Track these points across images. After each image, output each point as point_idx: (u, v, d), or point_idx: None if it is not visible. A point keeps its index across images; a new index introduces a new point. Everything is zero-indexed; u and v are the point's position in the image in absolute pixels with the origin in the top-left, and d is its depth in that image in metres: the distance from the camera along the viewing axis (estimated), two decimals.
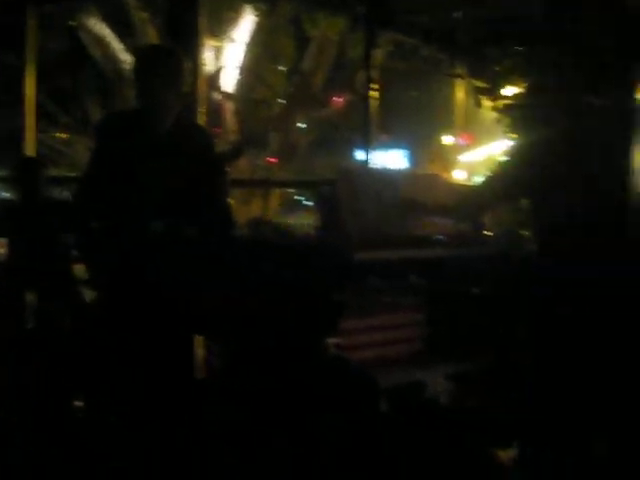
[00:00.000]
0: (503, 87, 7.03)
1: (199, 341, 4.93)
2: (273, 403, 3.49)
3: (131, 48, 11.67)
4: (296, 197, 16.59)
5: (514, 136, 7.20)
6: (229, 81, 12.06)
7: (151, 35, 11.65)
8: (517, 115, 6.95)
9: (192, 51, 5.72)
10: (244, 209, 11.27)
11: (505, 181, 3.74)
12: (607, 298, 3.36)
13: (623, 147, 3.43)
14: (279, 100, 12.82)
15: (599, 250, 3.38)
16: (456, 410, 3.75)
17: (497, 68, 6.90)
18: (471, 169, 17.77)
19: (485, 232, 4.54)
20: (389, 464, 3.35)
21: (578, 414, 3.40)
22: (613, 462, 3.37)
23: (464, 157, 18.09)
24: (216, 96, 11.73)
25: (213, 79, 11.49)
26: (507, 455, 3.70)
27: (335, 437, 3.34)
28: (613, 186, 3.40)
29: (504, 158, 3.95)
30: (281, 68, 12.97)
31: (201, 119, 5.73)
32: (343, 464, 3.29)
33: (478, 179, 12.80)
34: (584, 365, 3.39)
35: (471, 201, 4.03)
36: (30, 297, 5.30)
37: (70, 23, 11.75)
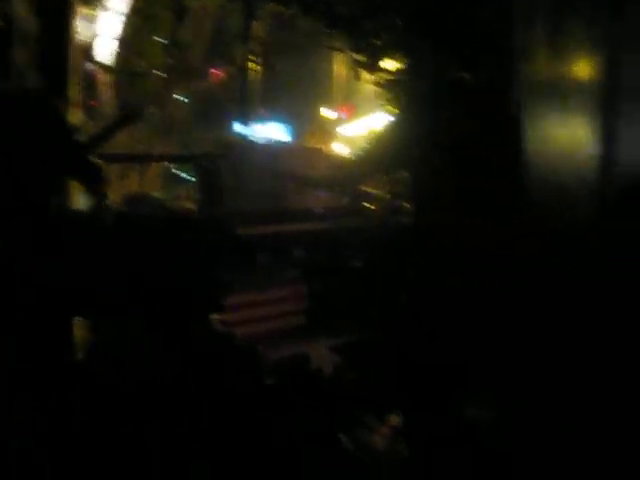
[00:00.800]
0: (382, 61, 7.09)
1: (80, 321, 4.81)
2: (157, 381, 3.45)
3: None
4: (174, 171, 16.39)
5: (393, 110, 7.31)
6: (105, 52, 11.73)
7: (17, 2, 11.19)
8: (397, 90, 7.04)
9: (64, 19, 5.53)
10: (122, 184, 11.03)
11: (382, 154, 3.79)
12: (481, 273, 3.45)
13: (507, 125, 3.48)
14: (157, 72, 12.56)
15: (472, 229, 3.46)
16: (339, 381, 3.79)
17: (377, 42, 6.93)
18: (351, 142, 17.97)
19: (365, 204, 4.59)
20: (275, 437, 3.37)
21: (453, 381, 3.50)
22: (487, 425, 3.49)
23: (344, 130, 18.29)
24: (90, 67, 11.40)
25: (87, 49, 11.15)
26: (388, 423, 3.77)
27: (221, 412, 3.33)
28: (494, 165, 3.45)
29: (382, 131, 3.98)
30: (159, 39, 12.70)
31: (75, 91, 5.56)
32: (230, 439, 3.28)
33: (357, 151, 12.94)
34: (457, 333, 3.49)
35: (349, 172, 4.07)
36: None
37: None
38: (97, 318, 3.95)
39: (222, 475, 3.09)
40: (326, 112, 19.40)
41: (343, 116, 19.30)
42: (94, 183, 4.12)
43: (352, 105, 18.97)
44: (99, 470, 3.17)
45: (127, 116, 4.30)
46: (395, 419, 3.80)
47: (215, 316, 3.41)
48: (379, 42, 6.84)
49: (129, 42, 12.24)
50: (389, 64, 7.01)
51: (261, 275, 3.72)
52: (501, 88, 3.74)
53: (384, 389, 3.87)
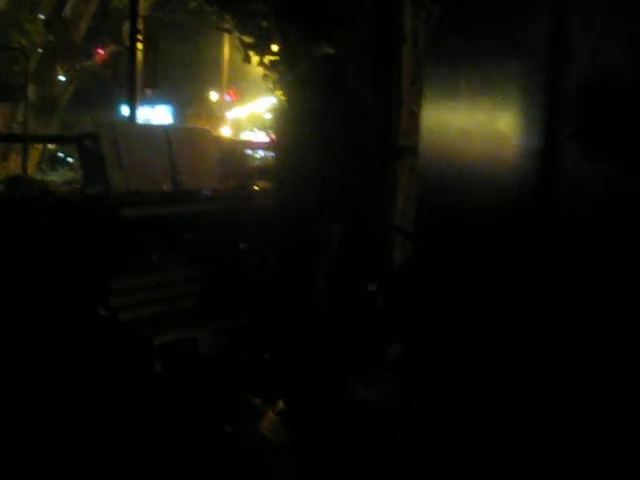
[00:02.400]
0: (271, 43, 7.06)
1: None
2: (43, 367, 3.35)
3: None
4: (60, 154, 15.95)
5: (279, 93, 7.29)
6: None
7: None
8: (279, 72, 7.02)
9: None
10: (1, 166, 10.66)
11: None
12: None
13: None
14: (38, 50, 12.11)
15: None
16: (228, 365, 3.77)
17: (264, 24, 6.89)
18: (237, 125, 17.95)
19: (255, 187, 4.57)
20: (165, 422, 3.32)
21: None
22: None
23: (230, 113, 18.28)
24: None
25: None
26: (276, 408, 3.78)
27: (110, 399, 3.26)
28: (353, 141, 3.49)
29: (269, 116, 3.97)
30: (40, 16, 12.24)
31: None
32: (119, 425, 3.22)
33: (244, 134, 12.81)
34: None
35: (237, 155, 4.05)
36: None
37: None
38: None
39: (111, 472, 3.01)
40: (213, 95, 19.32)
41: (228, 99, 19.28)
42: None
43: (238, 89, 18.96)
44: None
45: None
46: (282, 404, 3.81)
47: (101, 300, 3.33)
48: (266, 24, 6.80)
49: (8, 17, 11.77)
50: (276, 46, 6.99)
51: (148, 257, 3.65)
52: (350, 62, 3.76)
53: (272, 372, 3.87)
